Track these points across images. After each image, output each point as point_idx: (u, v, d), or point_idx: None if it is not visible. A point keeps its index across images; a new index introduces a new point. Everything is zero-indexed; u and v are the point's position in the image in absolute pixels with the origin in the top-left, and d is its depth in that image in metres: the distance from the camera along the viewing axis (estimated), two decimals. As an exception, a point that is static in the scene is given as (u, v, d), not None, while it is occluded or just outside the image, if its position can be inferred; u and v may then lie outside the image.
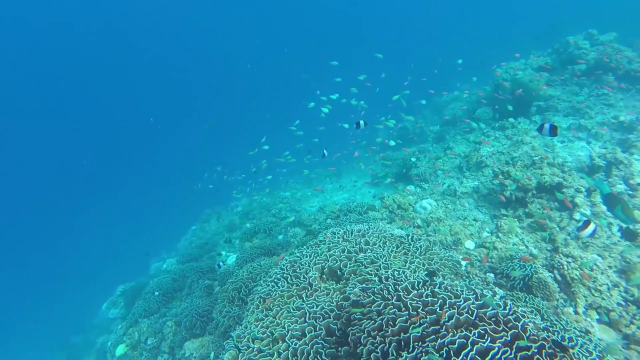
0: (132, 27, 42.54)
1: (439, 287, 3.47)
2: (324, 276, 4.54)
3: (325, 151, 6.60)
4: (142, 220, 31.50)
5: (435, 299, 3.24)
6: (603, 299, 4.11)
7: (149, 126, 41.38)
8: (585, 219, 4.15)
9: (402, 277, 3.80)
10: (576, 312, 4.06)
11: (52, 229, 37.34)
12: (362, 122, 5.94)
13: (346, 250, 4.62)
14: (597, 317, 4.00)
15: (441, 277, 3.88)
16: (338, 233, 5.12)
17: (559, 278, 4.52)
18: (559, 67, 11.04)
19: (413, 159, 10.15)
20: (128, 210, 35.24)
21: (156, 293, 7.77)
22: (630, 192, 5.68)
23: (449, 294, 3.25)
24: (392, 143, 10.05)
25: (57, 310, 21.95)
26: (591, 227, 3.86)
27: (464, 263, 5.38)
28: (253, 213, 12.81)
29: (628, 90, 9.48)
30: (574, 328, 3.55)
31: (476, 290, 3.37)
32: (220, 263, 7.90)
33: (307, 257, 4.76)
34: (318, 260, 4.61)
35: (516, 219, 6.00)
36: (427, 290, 3.43)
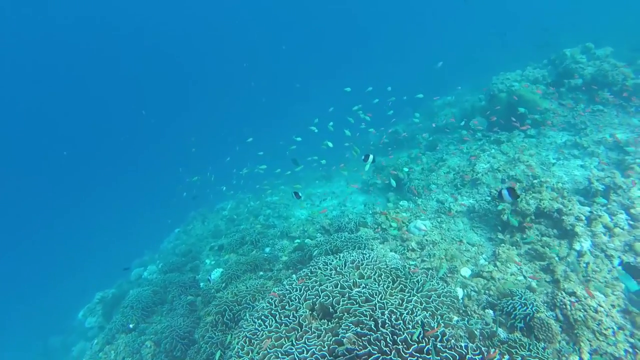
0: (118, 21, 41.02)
1: (441, 341, 3.21)
2: (314, 313, 4.23)
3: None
4: (126, 217, 30.71)
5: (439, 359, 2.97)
6: (609, 344, 3.92)
7: (141, 120, 40.23)
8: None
9: (400, 324, 3.51)
10: (581, 359, 3.86)
11: (34, 221, 36.18)
12: (371, 156, 5.84)
13: (339, 285, 4.31)
14: (602, 365, 3.80)
15: (443, 326, 3.61)
16: (331, 264, 4.80)
17: (560, 317, 4.32)
18: (555, 79, 10.89)
19: (405, 170, 9.88)
20: (113, 206, 34.27)
21: (131, 326, 7.45)
22: (631, 222, 5.52)
23: (454, 353, 2.98)
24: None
25: (35, 305, 21.26)
26: None
27: (460, 294, 5.14)
28: (239, 219, 12.39)
29: (623, 107, 9.39)
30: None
31: (481, 347, 3.11)
32: (209, 277, 7.57)
33: (297, 291, 4.43)
34: (309, 295, 4.29)
35: (514, 246, 5.80)
36: (429, 344, 3.16)
